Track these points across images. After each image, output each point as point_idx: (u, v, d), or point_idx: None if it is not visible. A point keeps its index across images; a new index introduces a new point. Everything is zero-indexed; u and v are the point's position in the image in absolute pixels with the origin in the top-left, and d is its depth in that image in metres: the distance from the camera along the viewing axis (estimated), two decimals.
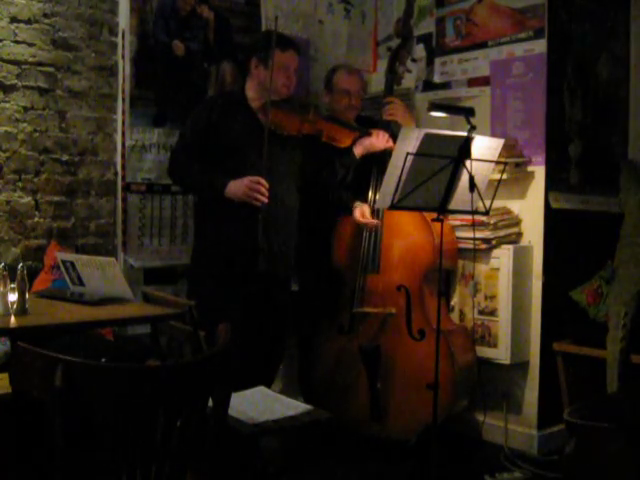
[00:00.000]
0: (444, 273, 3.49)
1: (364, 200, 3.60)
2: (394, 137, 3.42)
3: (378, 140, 3.54)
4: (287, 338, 3.61)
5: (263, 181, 3.19)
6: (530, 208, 3.70)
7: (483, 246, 3.61)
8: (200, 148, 3.33)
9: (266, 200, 3.19)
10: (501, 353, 3.62)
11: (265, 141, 3.19)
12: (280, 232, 3.39)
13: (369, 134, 3.54)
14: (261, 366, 3.41)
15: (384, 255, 3.55)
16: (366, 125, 3.68)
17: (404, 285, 3.50)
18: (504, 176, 3.21)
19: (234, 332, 1.81)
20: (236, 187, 3.22)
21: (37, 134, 3.46)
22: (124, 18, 3.65)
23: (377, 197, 3.55)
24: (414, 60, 4.20)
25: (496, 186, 2.95)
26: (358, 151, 3.54)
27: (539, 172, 3.66)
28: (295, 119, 3.37)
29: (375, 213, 3.56)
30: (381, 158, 3.54)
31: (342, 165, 3.55)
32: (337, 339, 3.64)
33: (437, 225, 3.30)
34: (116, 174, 3.70)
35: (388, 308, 3.51)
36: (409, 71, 4.19)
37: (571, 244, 3.72)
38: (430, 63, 4.15)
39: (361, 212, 3.54)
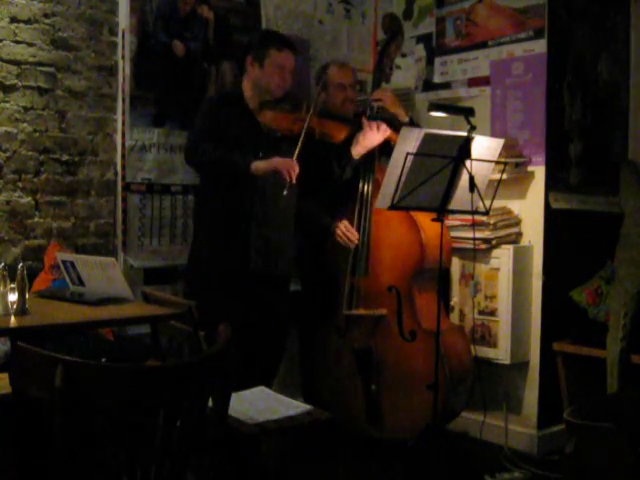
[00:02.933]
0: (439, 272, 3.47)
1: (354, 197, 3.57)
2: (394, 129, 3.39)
3: (373, 133, 3.44)
4: (287, 338, 3.61)
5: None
6: (530, 208, 3.70)
7: (483, 246, 3.61)
8: (213, 137, 3.30)
9: (294, 179, 3.12)
10: (501, 353, 3.62)
11: (300, 142, 3.15)
12: (277, 231, 3.38)
13: (361, 127, 3.46)
14: (261, 366, 3.41)
15: (373, 257, 3.53)
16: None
17: (394, 286, 3.48)
18: (504, 176, 3.21)
19: (233, 332, 1.81)
20: (268, 161, 3.16)
21: (37, 134, 3.46)
22: (124, 18, 3.64)
23: (366, 187, 3.53)
24: (404, 55, 4.18)
25: (496, 186, 2.95)
26: (356, 152, 3.47)
27: (539, 172, 3.67)
28: (288, 118, 3.32)
29: (363, 218, 3.53)
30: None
31: (338, 166, 3.52)
32: (334, 340, 3.64)
33: (427, 224, 3.31)
34: (116, 174, 3.70)
35: (379, 310, 3.49)
36: (398, 67, 4.17)
37: (571, 244, 3.72)
38: (430, 63, 4.15)
39: (342, 230, 3.50)
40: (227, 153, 3.22)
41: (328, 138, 3.42)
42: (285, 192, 3.12)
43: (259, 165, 3.16)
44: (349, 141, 3.49)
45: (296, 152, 3.14)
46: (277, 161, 3.15)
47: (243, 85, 3.43)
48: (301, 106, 3.35)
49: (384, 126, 3.46)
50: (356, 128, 3.50)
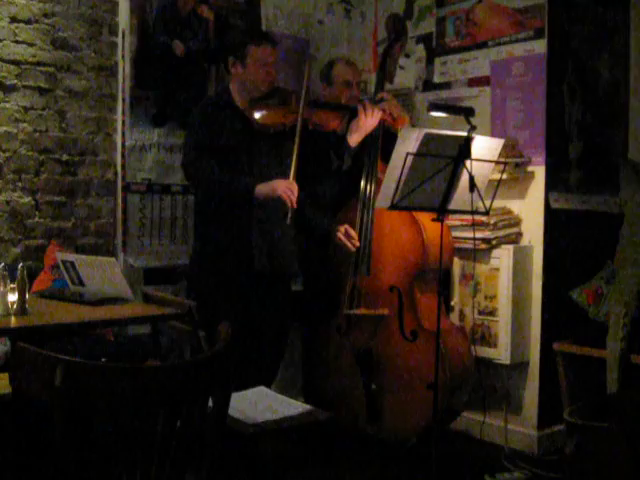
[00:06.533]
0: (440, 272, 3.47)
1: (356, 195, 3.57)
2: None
3: (368, 118, 3.40)
4: (287, 337, 3.60)
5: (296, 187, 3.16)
6: (530, 208, 3.70)
7: (483, 246, 3.61)
8: (207, 147, 3.30)
9: (295, 205, 3.13)
10: (501, 353, 3.62)
11: (296, 142, 3.16)
12: (278, 231, 3.38)
13: (355, 112, 3.43)
14: (261, 366, 3.41)
15: (375, 256, 3.52)
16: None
17: (396, 286, 3.48)
18: (504, 176, 3.21)
19: (234, 332, 1.81)
20: (269, 186, 3.17)
21: (37, 134, 3.46)
22: (124, 18, 3.65)
23: (368, 187, 3.53)
24: (407, 56, 4.19)
25: (496, 186, 2.95)
26: (353, 140, 3.43)
27: (539, 172, 3.66)
28: (278, 113, 3.31)
29: (365, 218, 3.53)
30: (372, 140, 3.50)
31: (336, 156, 3.51)
32: (335, 340, 3.64)
33: (429, 224, 3.30)
34: (116, 174, 3.70)
35: (380, 310, 3.49)
36: (401, 68, 4.17)
37: (571, 244, 3.72)
38: (430, 63, 4.15)
39: (344, 234, 3.46)
40: (229, 176, 3.22)
41: (321, 127, 3.41)
42: (288, 221, 3.13)
43: (262, 191, 3.17)
44: (345, 130, 3.48)
45: (292, 170, 3.15)
46: (278, 186, 3.13)
47: (230, 88, 3.42)
48: (290, 99, 3.35)
49: (376, 110, 3.43)
50: (349, 114, 3.48)
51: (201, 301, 2.64)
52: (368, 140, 3.52)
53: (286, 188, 3.11)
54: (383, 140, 3.53)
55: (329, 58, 4.03)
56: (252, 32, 3.52)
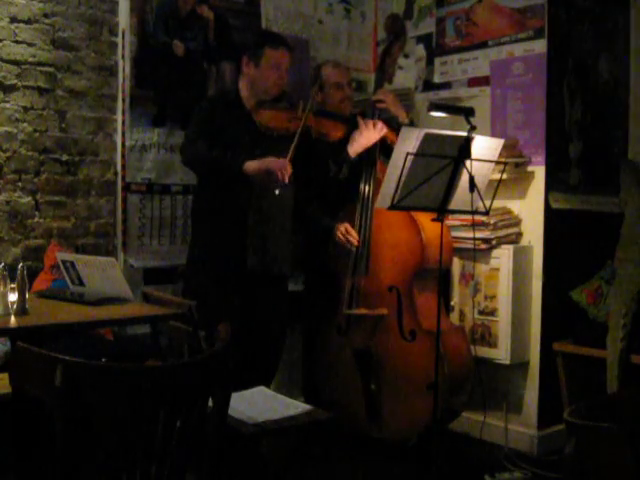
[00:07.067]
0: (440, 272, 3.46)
1: (355, 197, 3.56)
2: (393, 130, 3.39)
3: (370, 132, 3.44)
4: (285, 337, 3.60)
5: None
6: (530, 208, 3.70)
7: (483, 246, 3.61)
8: (209, 138, 3.30)
9: (285, 179, 3.10)
10: (501, 353, 3.62)
11: (294, 144, 3.15)
12: (274, 231, 3.38)
13: (358, 125, 3.45)
14: (259, 366, 3.41)
15: (374, 256, 3.52)
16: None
17: (395, 286, 3.48)
18: (504, 176, 3.21)
19: (231, 331, 1.81)
20: (260, 161, 3.14)
21: (37, 134, 3.46)
22: (124, 18, 3.64)
23: (367, 188, 3.53)
24: (406, 56, 4.19)
25: (496, 186, 2.95)
26: (353, 150, 3.45)
27: (539, 172, 3.67)
28: (284, 117, 3.32)
29: (363, 218, 3.53)
30: (369, 154, 3.50)
31: (335, 164, 3.51)
32: (336, 339, 3.64)
33: (428, 224, 3.30)
34: (116, 174, 3.70)
35: (379, 310, 3.49)
36: (400, 68, 4.17)
37: (571, 244, 3.72)
38: (430, 63, 4.16)
39: (342, 232, 3.50)
40: (220, 153, 3.21)
41: (325, 137, 3.42)
42: (277, 192, 3.12)
43: (251, 164, 3.15)
44: (346, 140, 3.49)
45: (290, 153, 3.14)
46: (270, 161, 3.13)
47: (239, 86, 3.43)
48: (297, 105, 3.35)
49: (380, 124, 3.46)
50: (353, 126, 3.49)
51: (198, 301, 2.64)
52: (365, 156, 3.52)
53: (278, 163, 3.10)
54: (384, 152, 3.52)
55: (321, 61, 4.03)
56: (270, 34, 3.53)
